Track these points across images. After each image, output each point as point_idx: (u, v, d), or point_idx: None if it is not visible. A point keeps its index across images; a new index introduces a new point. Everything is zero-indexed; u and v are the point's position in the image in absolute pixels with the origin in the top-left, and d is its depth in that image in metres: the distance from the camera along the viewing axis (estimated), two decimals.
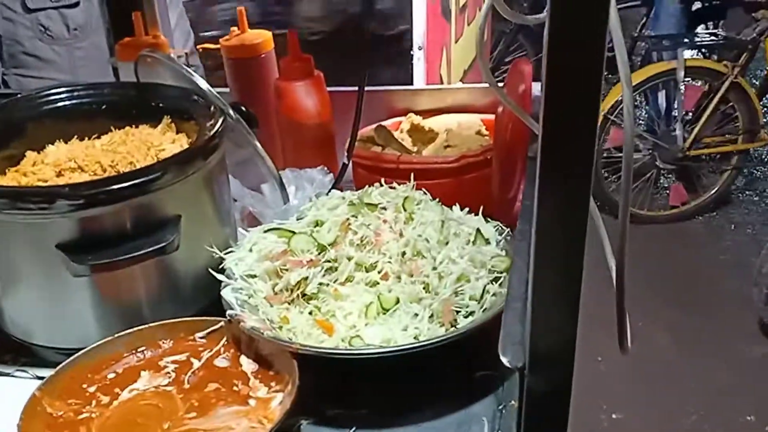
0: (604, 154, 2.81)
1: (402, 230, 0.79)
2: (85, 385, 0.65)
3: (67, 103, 0.89)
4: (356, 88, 0.91)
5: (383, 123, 0.99)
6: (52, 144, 0.87)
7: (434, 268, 0.75)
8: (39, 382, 0.70)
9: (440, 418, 0.66)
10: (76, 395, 0.64)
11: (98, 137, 0.89)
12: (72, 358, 0.66)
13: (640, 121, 3.16)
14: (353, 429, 0.65)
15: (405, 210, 0.82)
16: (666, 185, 3.12)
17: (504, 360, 0.51)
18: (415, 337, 0.70)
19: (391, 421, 0.66)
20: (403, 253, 0.78)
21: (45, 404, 0.62)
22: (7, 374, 0.74)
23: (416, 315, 0.72)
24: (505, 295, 0.70)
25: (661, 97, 3.03)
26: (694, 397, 2.06)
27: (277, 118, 0.97)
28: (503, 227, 0.81)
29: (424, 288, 0.74)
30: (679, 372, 2.17)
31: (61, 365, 0.65)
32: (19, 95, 0.89)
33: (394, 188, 0.85)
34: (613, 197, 2.78)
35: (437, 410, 0.66)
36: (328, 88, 0.98)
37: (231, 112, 0.81)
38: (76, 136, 0.88)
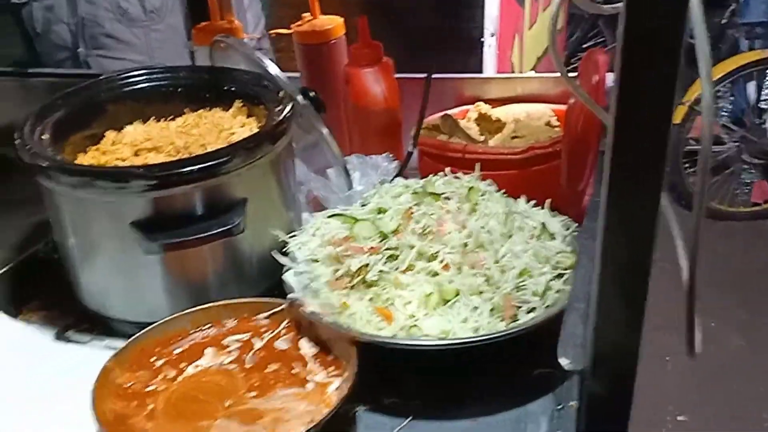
0: (687, 146, 2.70)
1: (465, 221, 0.79)
2: (153, 359, 0.68)
3: (145, 85, 0.92)
4: (424, 75, 0.91)
5: (450, 111, 0.98)
6: (130, 124, 0.90)
7: (496, 262, 0.74)
8: (111, 352, 0.74)
9: (496, 414, 0.65)
10: (144, 368, 0.67)
11: (173, 119, 0.92)
12: (142, 332, 0.69)
13: (724, 113, 3.02)
14: (409, 419, 0.65)
15: (469, 201, 0.81)
16: (749, 181, 2.98)
17: (564, 362, 0.50)
18: (474, 330, 0.69)
19: (446, 414, 0.66)
20: (465, 245, 0.77)
21: (115, 375, 0.64)
22: (83, 343, 0.78)
23: (476, 308, 0.72)
24: (569, 294, 0.69)
25: (751, 87, 2.88)
26: None
27: (344, 103, 0.98)
28: (570, 222, 0.79)
29: (485, 281, 0.73)
30: (753, 375, 2.08)
31: (131, 338, 0.68)
32: (100, 77, 0.93)
33: (458, 178, 0.85)
34: (693, 189, 2.68)
35: (494, 406, 0.66)
36: (397, 75, 0.98)
37: (300, 97, 0.82)
38: (152, 118, 0.91)
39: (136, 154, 0.84)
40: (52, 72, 1.36)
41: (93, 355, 0.75)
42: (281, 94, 0.82)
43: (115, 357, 0.66)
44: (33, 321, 0.82)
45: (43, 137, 0.79)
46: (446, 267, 0.76)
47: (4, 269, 0.84)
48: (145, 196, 0.71)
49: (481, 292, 0.72)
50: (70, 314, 0.81)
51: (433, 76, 0.91)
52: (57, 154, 0.77)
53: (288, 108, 0.79)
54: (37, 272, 0.86)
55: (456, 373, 0.70)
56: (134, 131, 0.89)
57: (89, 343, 0.78)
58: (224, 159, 0.72)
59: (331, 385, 0.65)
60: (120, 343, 0.74)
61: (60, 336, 0.79)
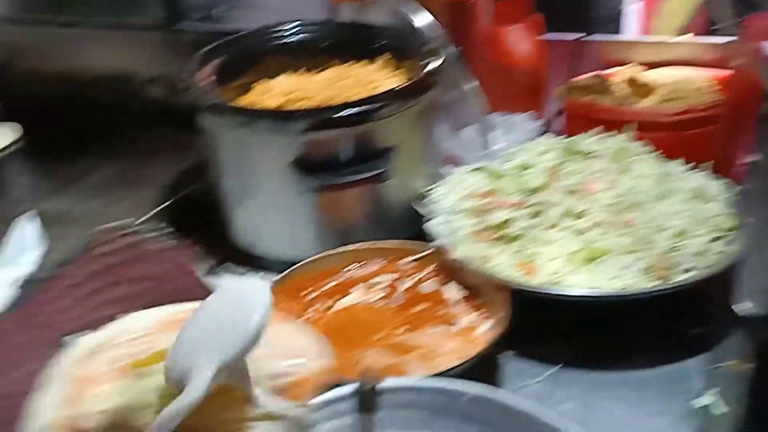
0: None
1: (616, 181, 0.77)
2: (304, 292, 0.71)
3: (294, 38, 0.95)
4: (571, 36, 0.89)
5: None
6: (279, 75, 0.94)
7: (649, 222, 0.73)
8: None
9: (647, 369, 0.64)
10: (297, 299, 0.70)
11: (319, 72, 0.94)
12: (295, 266, 0.72)
13: None
14: (558, 366, 0.65)
15: (620, 160, 0.79)
16: None
17: (745, 307, 0.49)
18: (623, 289, 0.68)
19: (595, 365, 0.65)
20: (615, 204, 0.75)
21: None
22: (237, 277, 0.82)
23: (626, 267, 0.70)
24: (729, 255, 0.66)
25: None
26: None
27: (487, 61, 0.97)
28: (730, 184, 0.76)
29: (636, 241, 0.72)
30: None
31: (286, 271, 0.71)
32: (254, 29, 0.96)
33: (608, 138, 0.83)
34: None
35: (644, 362, 0.65)
36: (543, 35, 0.96)
37: (450, 50, 0.82)
38: (300, 70, 0.94)
39: (284, 105, 0.88)
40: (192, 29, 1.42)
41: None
42: (430, 46, 0.83)
43: (272, 288, 0.69)
44: None
45: (203, 82, 0.83)
46: (595, 225, 0.75)
47: (160, 207, 0.89)
48: (303, 138, 0.74)
49: (632, 252, 0.71)
50: (220, 252, 0.86)
51: (581, 38, 0.90)
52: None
53: (438, 60, 0.80)
54: (190, 212, 0.91)
55: (605, 327, 0.69)
56: (283, 82, 0.93)
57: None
58: (379, 105, 0.74)
59: (479, 328, 0.65)
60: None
61: (211, 272, 0.84)
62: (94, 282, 0.53)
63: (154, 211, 0.87)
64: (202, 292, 0.50)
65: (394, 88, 0.77)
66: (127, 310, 0.50)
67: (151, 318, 0.49)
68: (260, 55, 0.93)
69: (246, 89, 0.91)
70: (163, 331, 0.47)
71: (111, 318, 0.50)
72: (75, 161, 1.10)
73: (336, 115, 0.73)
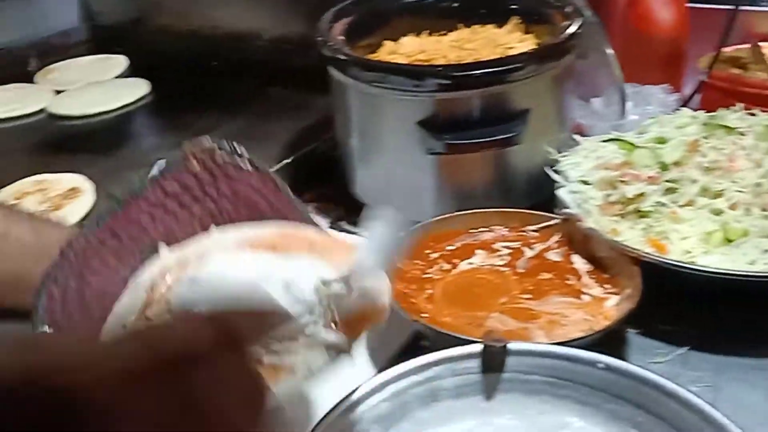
0: None
1: (762, 159, 0.72)
2: (428, 252, 0.71)
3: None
4: (720, 6, 0.84)
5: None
6: (406, 36, 0.93)
7: None
8: None
9: None
10: (420, 258, 0.70)
11: (445, 34, 0.93)
12: (417, 226, 0.72)
13: None
14: (687, 347, 0.63)
15: (767, 139, 0.74)
16: None
17: None
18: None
19: (726, 348, 0.62)
20: (759, 185, 0.71)
21: (396, 260, 0.68)
22: (353, 233, 0.83)
23: (766, 251, 0.66)
24: None
25: None
26: None
27: (625, 28, 0.93)
28: None
29: None
30: None
31: (408, 230, 0.71)
32: None
33: (754, 114, 0.78)
34: None
35: None
36: (688, 4, 0.91)
37: (590, 15, 0.79)
38: (426, 31, 0.93)
39: None
40: None
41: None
42: (569, 9, 0.80)
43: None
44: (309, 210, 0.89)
45: (338, 37, 0.84)
46: (734, 206, 0.70)
47: (284, 162, 0.91)
48: (435, 97, 0.73)
49: None
50: (342, 206, 0.88)
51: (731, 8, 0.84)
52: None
53: (577, 23, 0.77)
54: (315, 168, 0.93)
55: (738, 309, 0.65)
56: (410, 43, 0.92)
57: (358, 233, 0.83)
58: (515, 66, 0.72)
59: (608, 301, 0.64)
60: None
61: (333, 225, 0.86)
62: (186, 195, 0.52)
63: (278, 166, 0.89)
64: (294, 215, 0.52)
65: (532, 50, 0.75)
66: (218, 225, 0.51)
67: (240, 236, 0.49)
68: (388, 15, 0.93)
69: (373, 49, 0.92)
70: (254, 249, 0.47)
71: (202, 231, 0.51)
72: (200, 117, 1.14)
73: (471, 73, 0.71)
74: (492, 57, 0.84)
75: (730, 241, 0.68)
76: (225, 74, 1.33)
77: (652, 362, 0.62)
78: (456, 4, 0.94)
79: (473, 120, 0.73)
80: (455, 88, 0.72)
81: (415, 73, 0.74)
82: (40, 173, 0.96)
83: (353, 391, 0.50)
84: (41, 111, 1.20)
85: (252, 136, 1.08)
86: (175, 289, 0.45)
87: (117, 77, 1.33)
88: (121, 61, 1.38)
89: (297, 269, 0.45)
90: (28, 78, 1.32)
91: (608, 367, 0.50)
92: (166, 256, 0.49)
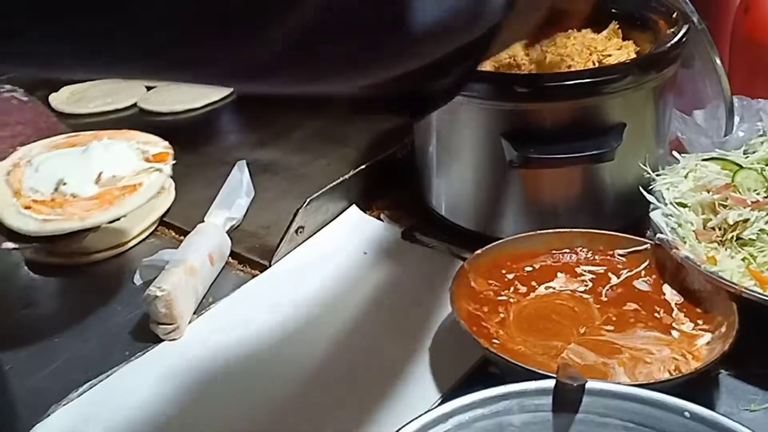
0: None
1: None
2: (504, 271, 0.67)
3: None
4: None
5: None
6: None
7: None
8: (452, 258, 0.75)
9: None
10: (496, 278, 0.66)
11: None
12: (494, 243, 0.68)
13: None
14: None
15: None
16: None
17: None
18: None
19: None
20: None
21: (470, 278, 0.65)
22: (427, 245, 0.80)
23: None
24: None
25: None
26: None
27: (735, 36, 0.85)
28: None
29: None
30: None
31: (484, 248, 0.68)
32: None
33: None
34: None
35: None
36: None
37: (697, 20, 0.73)
38: None
39: (497, 70, 0.83)
40: None
41: (436, 256, 0.77)
42: (675, 15, 0.74)
43: (470, 261, 0.66)
44: (381, 217, 0.87)
45: None
46: None
47: (361, 167, 0.89)
48: (521, 107, 0.69)
49: None
50: (415, 216, 0.85)
51: None
52: None
53: (683, 31, 0.71)
54: (390, 174, 0.91)
55: None
56: None
57: (432, 246, 0.80)
58: (611, 77, 0.67)
59: (700, 338, 0.58)
60: (462, 252, 0.75)
61: (406, 235, 0.83)
62: None
63: (354, 171, 0.87)
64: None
65: (631, 60, 0.69)
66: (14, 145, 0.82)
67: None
68: None
69: None
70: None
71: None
72: (281, 116, 1.14)
73: (562, 84, 0.67)
74: (587, 65, 0.78)
75: None
76: None
77: (745, 409, 0.56)
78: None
79: (562, 133, 0.68)
80: (544, 99, 0.68)
81: (501, 81, 0.70)
82: None
83: (416, 419, 0.47)
84: (133, 106, 1.23)
85: (331, 138, 1.07)
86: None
87: None
88: None
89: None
90: None
91: (695, 416, 0.45)
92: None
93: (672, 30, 0.72)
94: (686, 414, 0.46)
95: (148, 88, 1.28)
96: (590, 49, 0.81)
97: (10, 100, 0.94)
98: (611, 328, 0.60)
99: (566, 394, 0.49)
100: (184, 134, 1.14)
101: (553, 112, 0.68)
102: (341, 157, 0.99)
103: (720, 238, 0.68)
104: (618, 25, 0.82)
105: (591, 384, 0.49)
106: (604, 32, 0.83)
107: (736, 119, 0.81)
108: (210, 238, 0.77)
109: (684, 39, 0.71)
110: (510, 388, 0.50)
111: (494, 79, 0.71)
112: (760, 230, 0.66)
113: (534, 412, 0.49)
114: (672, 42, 0.69)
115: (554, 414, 0.49)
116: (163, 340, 0.67)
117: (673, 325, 0.60)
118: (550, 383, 0.49)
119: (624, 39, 0.82)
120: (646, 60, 0.69)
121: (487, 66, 0.82)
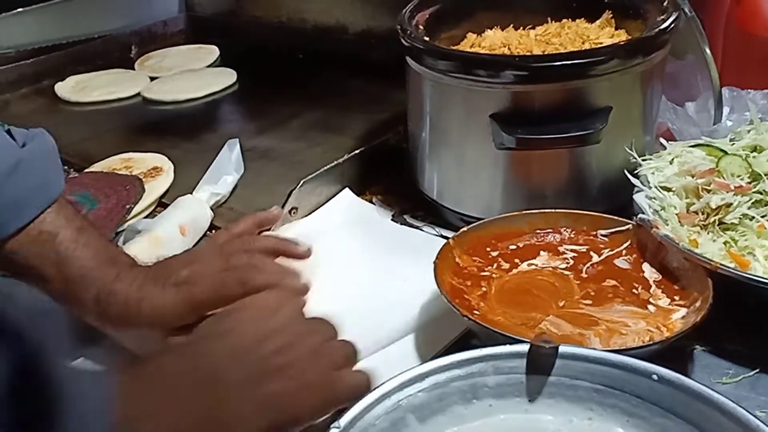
0: None
1: None
2: (488, 249, 0.68)
3: None
4: None
5: None
6: (490, 29, 0.91)
7: None
8: (441, 240, 0.76)
9: None
10: (480, 255, 0.67)
11: (533, 27, 0.90)
12: (480, 222, 0.70)
13: None
14: (757, 371, 0.57)
15: None
16: None
17: None
18: None
19: None
20: None
21: (455, 254, 0.66)
22: (418, 228, 0.82)
23: None
24: None
25: None
26: None
27: (726, 27, 0.86)
28: None
29: None
30: None
31: (470, 226, 0.69)
32: None
33: None
34: None
35: None
36: None
37: (687, 9, 0.74)
38: (512, 25, 0.90)
39: None
40: None
41: (425, 237, 0.79)
42: (666, 3, 0.75)
43: (456, 238, 0.67)
44: (374, 201, 0.88)
45: (419, 27, 0.82)
46: None
47: (356, 152, 0.90)
48: (510, 89, 0.70)
49: None
50: (407, 200, 0.86)
51: None
52: None
53: (672, 18, 0.72)
54: (384, 159, 0.92)
55: None
56: (493, 36, 0.89)
57: (422, 228, 0.81)
58: (600, 59, 0.68)
59: (675, 313, 0.59)
60: (451, 233, 0.76)
61: (396, 217, 0.84)
62: None
63: (347, 156, 0.89)
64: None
65: (617, 43, 0.71)
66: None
67: None
68: (473, 7, 0.91)
69: (455, 42, 0.89)
70: None
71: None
72: (281, 107, 1.17)
73: (549, 65, 0.68)
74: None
75: None
76: (309, 66, 1.35)
77: (717, 382, 0.57)
78: None
79: (549, 115, 0.70)
80: (532, 81, 0.69)
81: (490, 63, 0.71)
82: (128, 152, 1.01)
83: (392, 378, 0.49)
84: (137, 95, 1.26)
85: (329, 127, 1.09)
86: None
87: (208, 66, 1.37)
88: (213, 51, 1.42)
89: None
90: (130, 63, 1.40)
91: (662, 379, 0.46)
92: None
93: (662, 18, 0.73)
94: (654, 377, 0.47)
95: (152, 78, 1.30)
96: (583, 38, 0.83)
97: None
98: (590, 302, 0.61)
99: (540, 357, 0.50)
100: (185, 123, 1.16)
101: (541, 94, 0.69)
102: (337, 145, 1.00)
103: (702, 222, 0.68)
104: (611, 15, 0.84)
105: (564, 348, 0.50)
106: (597, 22, 0.85)
107: (726, 109, 0.82)
108: (184, 209, 0.78)
109: (672, 26, 0.72)
110: (486, 351, 0.51)
111: (483, 61, 0.72)
112: (742, 215, 0.67)
113: (508, 374, 0.51)
114: (660, 27, 0.71)
115: (527, 376, 0.50)
116: None
117: (650, 300, 0.60)
118: (524, 347, 0.50)
119: (617, 28, 0.83)
120: (632, 44, 0.70)
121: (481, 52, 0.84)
